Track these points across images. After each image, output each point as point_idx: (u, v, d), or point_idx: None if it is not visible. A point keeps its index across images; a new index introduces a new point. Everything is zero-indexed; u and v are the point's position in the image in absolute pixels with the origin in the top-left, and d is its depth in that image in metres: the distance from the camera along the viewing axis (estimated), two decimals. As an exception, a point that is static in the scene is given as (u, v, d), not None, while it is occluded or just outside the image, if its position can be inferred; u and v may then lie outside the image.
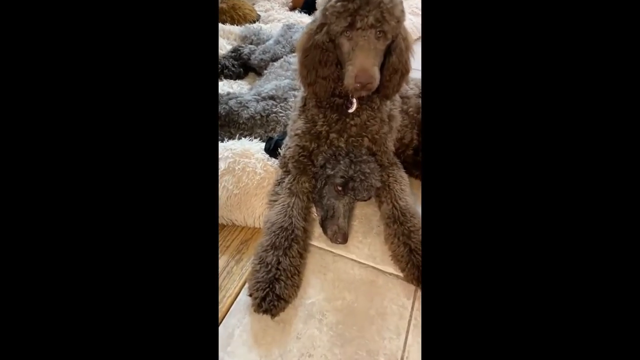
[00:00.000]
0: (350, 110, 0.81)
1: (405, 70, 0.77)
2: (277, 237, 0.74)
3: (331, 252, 0.83)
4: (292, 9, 2.03)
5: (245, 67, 1.37)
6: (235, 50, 1.37)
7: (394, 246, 0.78)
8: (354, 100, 0.80)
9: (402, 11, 0.69)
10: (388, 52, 0.73)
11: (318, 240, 0.84)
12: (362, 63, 0.67)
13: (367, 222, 0.90)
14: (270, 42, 1.33)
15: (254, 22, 1.72)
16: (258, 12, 1.82)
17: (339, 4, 0.66)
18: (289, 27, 1.37)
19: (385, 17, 0.65)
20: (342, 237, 0.79)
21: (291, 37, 1.29)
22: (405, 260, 0.75)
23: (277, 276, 0.69)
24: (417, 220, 0.79)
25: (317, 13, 0.73)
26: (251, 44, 1.42)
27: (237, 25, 1.61)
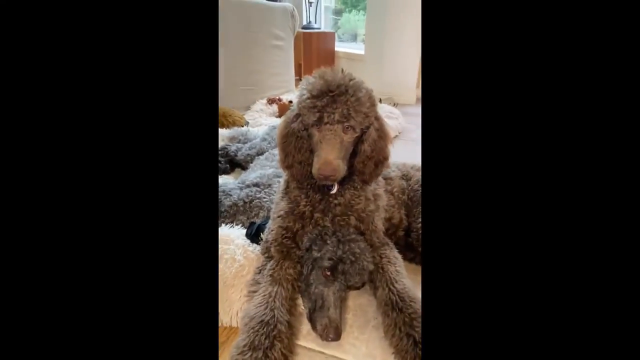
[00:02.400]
0: (332, 192, 0.79)
1: (382, 157, 0.77)
2: (257, 335, 0.62)
3: (322, 353, 0.69)
4: (279, 117, 2.24)
5: (232, 163, 1.42)
6: (222, 148, 1.44)
7: (396, 339, 0.66)
8: (335, 183, 0.79)
9: (371, 105, 0.73)
10: (361, 141, 0.75)
11: (306, 339, 0.71)
12: (325, 156, 0.68)
13: (362, 313, 0.78)
14: (257, 140, 1.41)
15: (242, 127, 1.86)
16: (247, 120, 2.00)
17: (309, 100, 0.70)
18: (274, 127, 1.47)
19: (351, 114, 0.68)
20: (334, 333, 0.67)
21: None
22: (410, 355, 0.62)
23: (255, 388, 0.55)
24: (419, 306, 0.69)
25: (295, 104, 0.79)
26: (239, 142, 1.50)
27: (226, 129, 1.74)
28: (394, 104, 2.83)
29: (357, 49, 3.66)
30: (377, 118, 0.78)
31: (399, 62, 2.96)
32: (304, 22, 3.88)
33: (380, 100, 2.81)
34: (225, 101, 2.08)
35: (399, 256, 0.83)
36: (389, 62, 2.95)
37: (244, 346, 0.61)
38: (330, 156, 0.68)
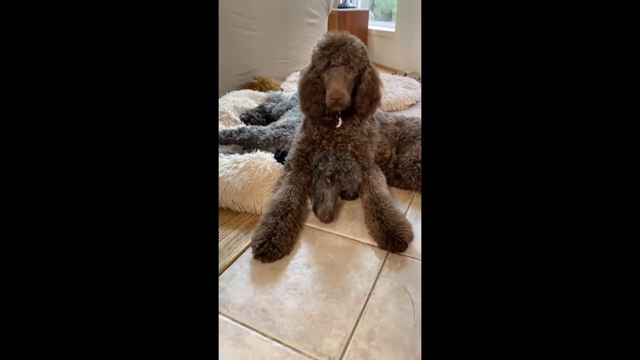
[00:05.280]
0: (337, 126, 1.10)
1: (375, 95, 1.06)
2: (277, 208, 0.95)
3: (320, 229, 1.01)
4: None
5: (267, 118, 1.76)
6: (260, 106, 1.78)
7: (370, 221, 0.97)
8: (339, 119, 1.10)
9: (364, 53, 1.02)
10: (359, 82, 1.05)
11: (311, 222, 1.04)
12: (334, 86, 0.98)
13: (352, 213, 1.09)
14: (287, 99, 1.74)
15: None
16: (281, 87, 2.33)
17: (320, 51, 1.00)
18: (302, 90, 1.79)
19: (350, 57, 0.98)
20: (328, 215, 0.99)
21: (303, 95, 1.69)
22: (377, 229, 0.93)
23: (274, 232, 0.89)
24: (389, 202, 0.99)
25: (309, 60, 1.08)
26: (273, 102, 1.83)
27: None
28: (418, 78, 3.00)
29: (389, 27, 3.81)
30: (371, 66, 1.06)
31: (427, 38, 3.10)
32: (340, 2, 4.08)
33: (406, 74, 3.01)
34: (263, 71, 2.42)
35: (383, 176, 1.12)
36: (417, 39, 3.10)
37: (269, 214, 0.95)
38: (338, 86, 0.97)
